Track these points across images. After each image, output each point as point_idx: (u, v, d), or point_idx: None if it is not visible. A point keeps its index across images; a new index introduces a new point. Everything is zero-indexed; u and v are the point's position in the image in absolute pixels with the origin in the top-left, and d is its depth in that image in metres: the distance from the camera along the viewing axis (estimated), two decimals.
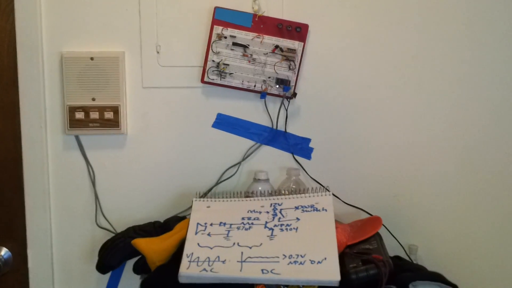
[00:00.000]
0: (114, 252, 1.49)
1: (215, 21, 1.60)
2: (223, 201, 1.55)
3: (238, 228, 1.44)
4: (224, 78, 1.62)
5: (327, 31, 1.65)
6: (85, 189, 1.67)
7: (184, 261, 1.34)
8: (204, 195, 1.66)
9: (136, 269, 1.49)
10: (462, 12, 1.66)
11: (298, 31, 1.61)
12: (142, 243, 1.44)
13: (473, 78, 1.68)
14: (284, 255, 1.34)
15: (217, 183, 1.68)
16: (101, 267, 1.50)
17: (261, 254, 1.35)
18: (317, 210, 1.48)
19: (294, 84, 1.63)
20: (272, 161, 1.69)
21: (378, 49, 1.67)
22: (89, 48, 1.62)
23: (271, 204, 1.51)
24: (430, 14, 1.66)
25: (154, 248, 1.43)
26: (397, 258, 1.58)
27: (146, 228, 1.58)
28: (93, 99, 1.60)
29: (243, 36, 1.61)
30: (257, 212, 1.49)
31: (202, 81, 1.63)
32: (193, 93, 1.66)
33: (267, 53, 1.62)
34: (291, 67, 1.62)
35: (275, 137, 1.68)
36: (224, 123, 1.67)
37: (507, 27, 1.67)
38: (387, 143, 1.69)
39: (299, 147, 1.69)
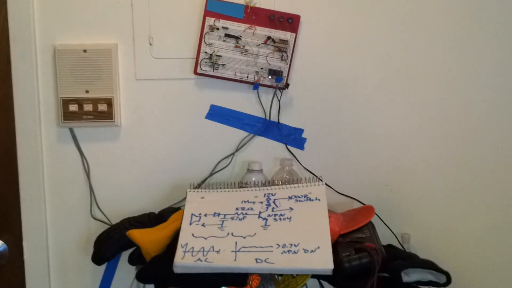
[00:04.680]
0: (109, 244, 1.50)
1: (207, 13, 1.60)
2: (217, 192, 1.56)
3: (232, 218, 1.45)
4: (216, 69, 1.63)
5: (319, 22, 1.66)
6: (79, 181, 1.67)
7: (179, 252, 1.35)
8: (198, 186, 1.67)
9: (131, 260, 1.50)
10: (453, 4, 1.66)
11: (290, 22, 1.61)
12: (137, 234, 1.45)
13: (465, 68, 1.69)
14: (277, 244, 1.36)
15: (211, 174, 1.69)
16: (97, 259, 1.51)
17: (255, 244, 1.36)
18: (310, 200, 1.49)
19: (286, 75, 1.64)
20: (266, 151, 1.70)
21: (370, 40, 1.67)
22: (82, 40, 1.62)
23: (264, 195, 1.52)
24: (422, 6, 1.66)
25: (149, 239, 1.44)
26: (390, 246, 1.59)
27: (141, 219, 1.58)
28: (87, 92, 1.61)
29: (235, 27, 1.61)
30: (251, 202, 1.50)
31: (195, 72, 1.63)
32: (186, 85, 1.66)
33: (259, 44, 1.62)
34: (283, 58, 1.63)
35: (268, 128, 1.69)
36: (217, 114, 1.68)
37: (498, 20, 1.67)
38: (379, 133, 1.70)
39: (292, 137, 1.70)
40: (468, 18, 1.67)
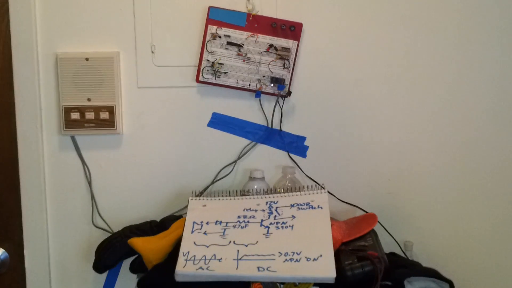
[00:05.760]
0: (111, 252, 1.50)
1: (210, 21, 1.61)
2: (219, 199, 1.55)
3: (234, 226, 1.45)
4: (219, 77, 1.63)
5: (321, 30, 1.66)
6: (81, 189, 1.67)
7: (181, 260, 1.34)
8: (200, 194, 1.66)
9: (133, 268, 1.50)
10: (455, 9, 1.67)
11: (292, 30, 1.62)
12: (138, 242, 1.44)
13: (466, 74, 1.69)
14: (280, 252, 1.35)
15: (213, 182, 1.69)
16: (98, 267, 1.50)
17: (257, 252, 1.36)
18: (312, 207, 1.48)
19: (288, 83, 1.64)
20: (268, 159, 1.69)
21: (372, 47, 1.67)
22: (84, 48, 1.62)
23: (266, 202, 1.52)
24: (423, 12, 1.66)
25: (150, 247, 1.43)
26: (392, 254, 1.59)
27: (142, 227, 1.58)
28: (89, 100, 1.61)
29: (237, 35, 1.61)
30: (253, 210, 1.50)
31: (197, 80, 1.63)
32: (188, 93, 1.66)
33: (261, 52, 1.62)
34: (285, 66, 1.63)
35: (270, 136, 1.68)
36: (219, 122, 1.68)
37: (499, 23, 1.68)
38: (381, 140, 1.70)
39: (294, 145, 1.69)
40: (469, 22, 1.67)
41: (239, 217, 1.48)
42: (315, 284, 1.34)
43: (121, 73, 1.64)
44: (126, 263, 1.52)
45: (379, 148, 1.70)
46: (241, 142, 1.69)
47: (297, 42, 1.63)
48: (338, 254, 1.37)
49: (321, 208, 1.48)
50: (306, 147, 1.70)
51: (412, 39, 1.67)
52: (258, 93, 1.63)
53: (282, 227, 1.43)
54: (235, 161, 1.69)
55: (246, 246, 1.38)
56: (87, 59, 1.60)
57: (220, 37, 1.61)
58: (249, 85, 1.64)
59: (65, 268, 1.69)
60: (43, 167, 1.64)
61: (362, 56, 1.67)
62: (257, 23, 1.61)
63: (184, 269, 1.32)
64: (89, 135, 1.65)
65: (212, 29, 1.61)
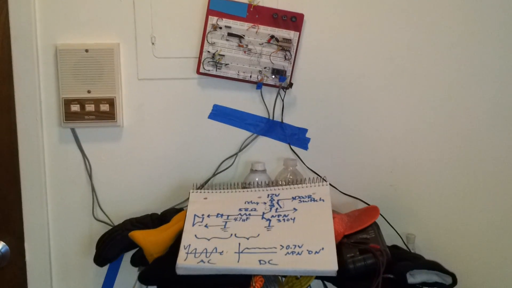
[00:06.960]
0: (112, 245, 1.49)
1: (210, 12, 1.59)
2: (220, 192, 1.55)
3: (235, 219, 1.44)
4: (219, 69, 1.62)
5: (322, 21, 1.64)
6: (81, 182, 1.66)
7: (182, 253, 1.34)
8: (201, 186, 1.66)
9: (134, 262, 1.49)
10: (457, 4, 1.65)
11: (293, 20, 1.60)
12: (139, 236, 1.44)
13: (468, 68, 1.68)
14: (281, 245, 1.34)
15: (214, 175, 1.68)
16: (99, 260, 1.50)
17: (259, 245, 1.35)
18: (314, 200, 1.47)
19: (290, 74, 1.63)
20: (269, 151, 1.69)
21: (374, 39, 1.66)
22: (84, 40, 1.61)
23: (268, 195, 1.51)
24: (425, 5, 1.65)
25: (151, 240, 1.43)
26: (394, 247, 1.58)
27: (143, 220, 1.58)
28: (89, 92, 1.60)
29: (238, 26, 1.60)
30: (254, 203, 1.49)
31: (198, 72, 1.62)
32: (188, 85, 1.65)
33: (262, 43, 1.61)
34: (286, 57, 1.62)
35: (271, 128, 1.67)
36: (220, 114, 1.67)
37: (501, 19, 1.66)
38: (383, 132, 1.69)
39: (296, 137, 1.68)
40: (471, 18, 1.66)
41: (240, 210, 1.47)
42: (317, 277, 1.33)
43: (121, 65, 1.63)
44: (127, 256, 1.52)
45: (381, 140, 1.69)
46: (242, 134, 1.68)
47: (298, 33, 1.61)
48: (340, 247, 1.36)
49: (323, 200, 1.47)
50: (308, 139, 1.69)
51: (415, 31, 1.66)
52: (259, 84, 1.62)
53: (284, 219, 1.42)
54: (236, 154, 1.68)
55: (248, 239, 1.38)
56: (87, 50, 1.59)
57: (220, 28, 1.60)
58: (250, 76, 1.62)
59: (65, 261, 1.69)
60: (43, 160, 1.64)
61: (364, 48, 1.66)
62: (258, 14, 1.60)
63: (185, 262, 1.32)
64: (89, 128, 1.64)
65: (213, 20, 1.59)
